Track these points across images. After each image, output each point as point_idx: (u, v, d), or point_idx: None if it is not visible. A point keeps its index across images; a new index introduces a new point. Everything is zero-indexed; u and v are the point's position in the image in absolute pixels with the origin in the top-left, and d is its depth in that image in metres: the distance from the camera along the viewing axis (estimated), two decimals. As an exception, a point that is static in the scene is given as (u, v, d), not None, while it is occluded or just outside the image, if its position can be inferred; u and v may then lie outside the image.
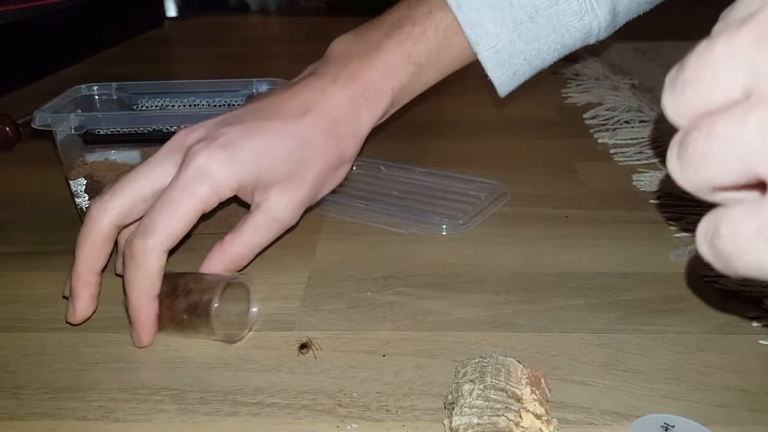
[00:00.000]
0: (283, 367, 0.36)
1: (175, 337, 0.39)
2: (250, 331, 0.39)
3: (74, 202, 0.49)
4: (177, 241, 0.38)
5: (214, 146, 0.39)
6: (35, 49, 0.98)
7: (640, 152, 0.65)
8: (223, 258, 0.41)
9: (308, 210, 0.45)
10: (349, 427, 0.32)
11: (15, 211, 0.56)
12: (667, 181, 0.55)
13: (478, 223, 0.52)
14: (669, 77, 0.20)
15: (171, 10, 1.50)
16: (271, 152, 0.40)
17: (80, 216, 0.49)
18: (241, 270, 0.43)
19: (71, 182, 0.48)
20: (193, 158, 0.38)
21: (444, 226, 0.50)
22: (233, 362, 0.37)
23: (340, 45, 0.47)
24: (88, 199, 0.48)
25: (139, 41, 1.29)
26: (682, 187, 0.19)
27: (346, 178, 0.46)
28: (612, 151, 0.65)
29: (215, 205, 0.39)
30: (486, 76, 0.48)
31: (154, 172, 0.39)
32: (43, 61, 1.00)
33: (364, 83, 0.44)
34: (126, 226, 0.40)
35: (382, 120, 0.47)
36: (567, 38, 0.47)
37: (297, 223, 0.43)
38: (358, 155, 0.46)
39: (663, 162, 0.59)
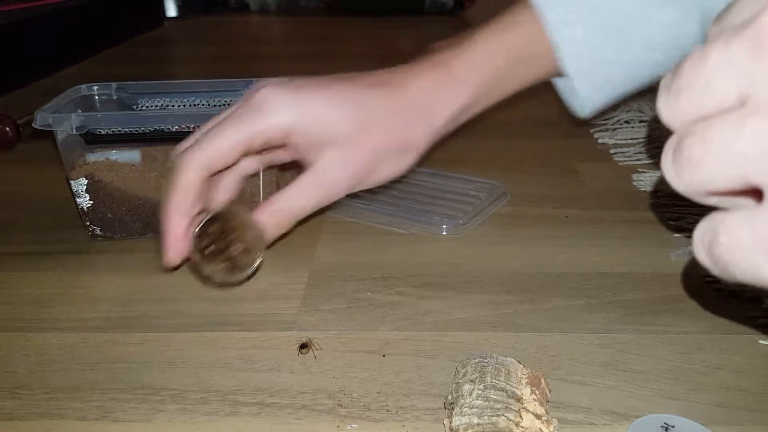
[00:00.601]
0: (283, 367, 0.36)
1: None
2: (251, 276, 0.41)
3: (75, 202, 0.49)
4: (215, 165, 0.39)
5: (278, 87, 0.40)
6: (35, 49, 0.98)
7: (640, 152, 0.65)
8: (267, 215, 0.41)
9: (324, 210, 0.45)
10: (349, 427, 0.32)
11: (15, 211, 0.56)
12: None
13: (478, 223, 0.52)
14: (664, 81, 0.20)
15: (171, 10, 1.50)
16: (333, 107, 0.40)
17: (80, 216, 0.49)
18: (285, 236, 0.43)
19: (72, 182, 0.48)
20: (255, 92, 0.39)
21: (444, 226, 0.50)
22: (233, 362, 0.37)
23: (437, 44, 0.46)
24: (89, 199, 0.48)
25: (139, 41, 1.29)
26: (676, 190, 0.20)
27: (405, 176, 0.45)
28: (612, 151, 0.65)
29: (260, 146, 0.39)
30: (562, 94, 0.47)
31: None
32: (43, 61, 1.00)
33: (449, 70, 0.44)
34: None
35: (460, 119, 0.46)
36: (658, 55, 0.45)
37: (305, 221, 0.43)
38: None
39: (658, 163, 0.59)
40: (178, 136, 0.47)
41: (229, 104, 0.56)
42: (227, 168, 0.41)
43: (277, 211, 0.41)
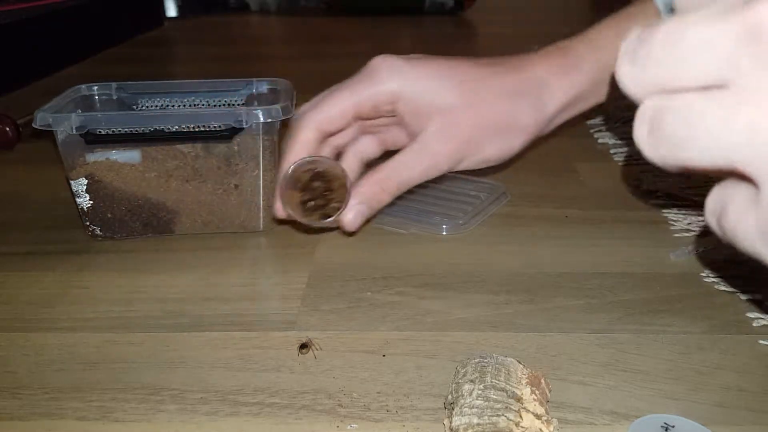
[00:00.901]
0: (283, 367, 0.36)
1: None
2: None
3: (75, 202, 0.49)
4: (328, 126, 0.42)
5: (391, 57, 0.42)
6: (35, 49, 0.98)
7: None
8: (371, 184, 0.42)
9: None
10: (349, 427, 0.32)
11: (15, 211, 0.56)
12: (667, 181, 0.55)
13: (478, 223, 0.52)
14: (628, 45, 0.19)
15: (171, 10, 1.50)
16: (440, 78, 0.41)
17: (80, 216, 0.49)
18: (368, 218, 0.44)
19: (72, 182, 0.48)
20: (371, 60, 0.42)
21: (444, 226, 0.50)
22: (233, 362, 0.37)
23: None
24: (89, 199, 0.48)
25: (139, 41, 1.29)
26: (648, 160, 0.20)
27: (512, 162, 0.45)
28: (612, 151, 0.65)
29: (369, 110, 0.41)
30: None
31: None
32: (43, 61, 1.00)
33: (568, 54, 0.44)
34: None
35: (573, 108, 0.45)
36: None
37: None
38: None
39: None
40: (178, 136, 0.47)
41: (228, 104, 0.56)
42: (339, 133, 0.44)
43: (381, 180, 0.42)
